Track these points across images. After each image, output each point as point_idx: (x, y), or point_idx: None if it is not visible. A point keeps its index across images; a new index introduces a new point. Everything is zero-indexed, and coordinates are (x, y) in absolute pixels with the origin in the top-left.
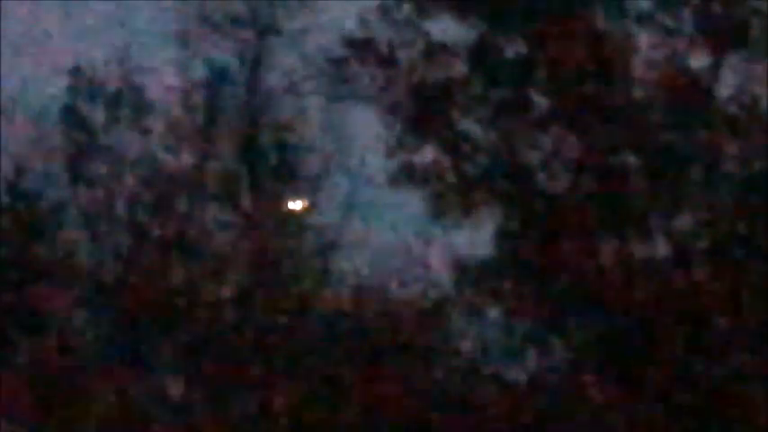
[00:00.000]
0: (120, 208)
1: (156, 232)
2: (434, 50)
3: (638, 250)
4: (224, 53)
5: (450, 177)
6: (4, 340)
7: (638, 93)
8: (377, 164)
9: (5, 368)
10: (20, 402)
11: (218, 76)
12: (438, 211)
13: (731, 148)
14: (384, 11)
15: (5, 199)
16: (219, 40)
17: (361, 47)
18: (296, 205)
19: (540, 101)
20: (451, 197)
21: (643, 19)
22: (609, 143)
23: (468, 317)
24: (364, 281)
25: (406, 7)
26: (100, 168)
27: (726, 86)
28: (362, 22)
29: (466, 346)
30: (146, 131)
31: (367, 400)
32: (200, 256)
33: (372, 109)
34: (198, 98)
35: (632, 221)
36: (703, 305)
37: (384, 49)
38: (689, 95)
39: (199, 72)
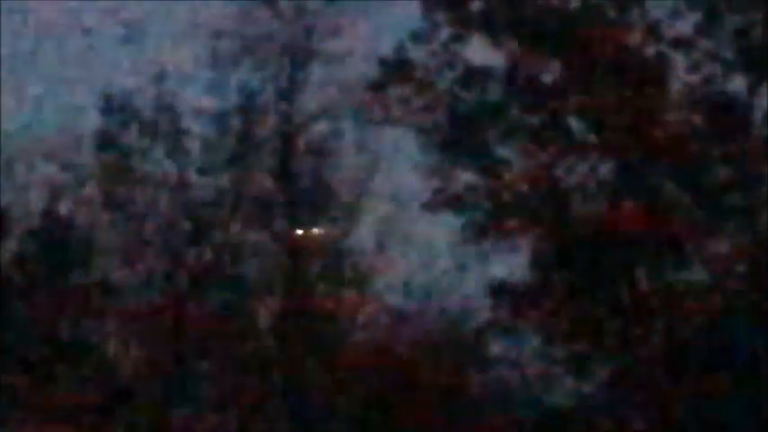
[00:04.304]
0: (156, 233)
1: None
2: (471, 75)
3: (677, 276)
4: (259, 78)
5: (487, 202)
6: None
7: (675, 116)
8: (413, 188)
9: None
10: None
11: (253, 101)
12: (474, 235)
13: None
14: (420, 36)
15: (40, 224)
16: (254, 64)
17: (397, 71)
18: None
19: (576, 125)
20: (488, 222)
21: (680, 43)
22: (646, 167)
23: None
24: (400, 305)
25: (443, 32)
26: (135, 193)
27: (763, 110)
28: (398, 46)
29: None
30: (181, 156)
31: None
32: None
33: (408, 133)
34: (233, 123)
35: (670, 246)
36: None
37: (420, 73)
38: (726, 119)
39: (234, 97)
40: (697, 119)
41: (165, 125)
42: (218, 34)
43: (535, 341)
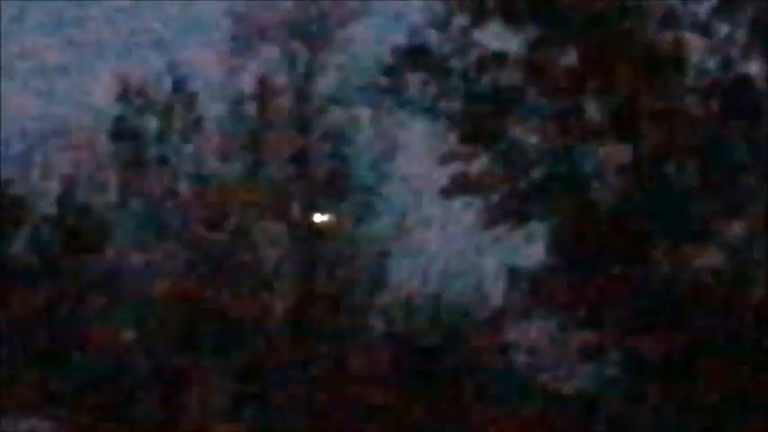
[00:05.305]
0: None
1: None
2: (488, 60)
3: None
4: (276, 63)
5: (504, 187)
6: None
7: (692, 100)
8: (430, 174)
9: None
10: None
11: (270, 87)
12: (491, 220)
13: None
14: (438, 20)
15: (56, 211)
16: (271, 50)
17: (414, 56)
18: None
19: (594, 110)
20: (505, 207)
21: (697, 26)
22: (664, 151)
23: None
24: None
25: (460, 17)
26: (152, 180)
27: None
28: (415, 31)
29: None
30: (197, 143)
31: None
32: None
33: (425, 119)
34: (249, 109)
35: (688, 229)
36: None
37: (437, 58)
38: (743, 102)
39: (251, 82)
40: (714, 103)
41: (181, 111)
42: (234, 19)
43: (551, 327)
